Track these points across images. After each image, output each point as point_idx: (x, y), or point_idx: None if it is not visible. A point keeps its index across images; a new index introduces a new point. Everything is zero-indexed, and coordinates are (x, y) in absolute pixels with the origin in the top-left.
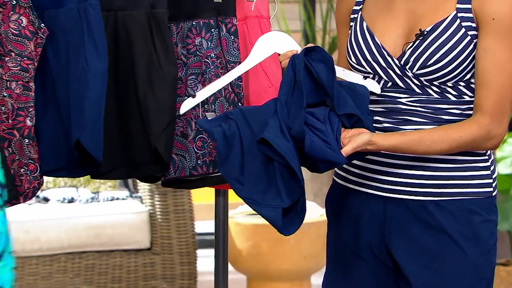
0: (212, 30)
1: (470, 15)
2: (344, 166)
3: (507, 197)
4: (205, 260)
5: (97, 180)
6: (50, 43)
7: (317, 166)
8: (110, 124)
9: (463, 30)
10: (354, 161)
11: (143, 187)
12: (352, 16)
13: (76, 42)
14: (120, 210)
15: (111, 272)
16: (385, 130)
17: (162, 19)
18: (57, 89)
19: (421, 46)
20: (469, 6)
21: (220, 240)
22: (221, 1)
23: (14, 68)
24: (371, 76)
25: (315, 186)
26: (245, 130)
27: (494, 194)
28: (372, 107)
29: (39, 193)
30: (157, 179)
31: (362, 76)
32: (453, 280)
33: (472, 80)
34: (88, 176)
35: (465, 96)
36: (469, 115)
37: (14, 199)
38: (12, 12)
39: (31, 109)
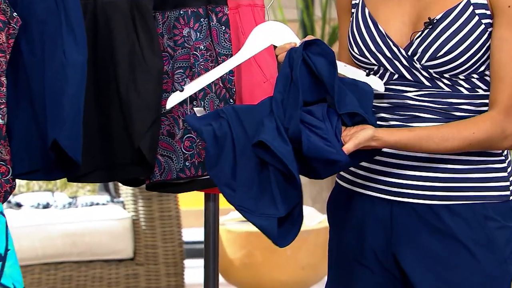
0: (201, 19)
1: (485, 1)
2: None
3: None
4: (194, 271)
5: (75, 183)
6: (23, 34)
7: (318, 170)
8: (89, 122)
9: (476, 18)
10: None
11: (126, 191)
12: (353, 2)
13: (53, 32)
14: (100, 217)
15: (90, 285)
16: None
17: (146, 8)
18: (32, 84)
19: (430, 35)
20: None
21: (210, 249)
22: None
23: None
24: (375, 68)
25: (314, 190)
26: (238, 131)
27: (511, 198)
28: (376, 102)
29: (11, 198)
30: (141, 182)
31: (365, 73)
32: None
33: (487, 72)
34: (65, 179)
35: (478, 90)
36: (484, 112)
37: None
38: None
39: (2, 106)
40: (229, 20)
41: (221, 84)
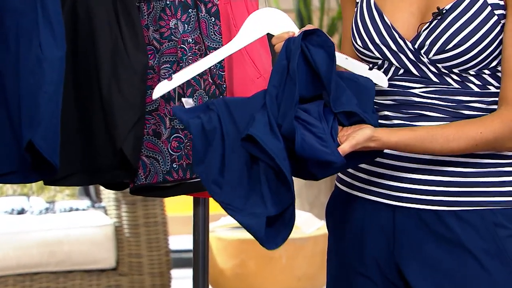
0: (190, 10)
1: None
2: (349, 170)
3: None
4: (182, 282)
5: (53, 187)
6: None
7: (312, 171)
8: (68, 122)
9: (488, 8)
10: (360, 164)
11: (108, 196)
12: None
13: (29, 25)
14: (80, 223)
15: None
16: (394, 127)
17: None
18: (5, 81)
19: (439, 27)
20: None
21: (199, 258)
22: None
23: None
24: (380, 62)
25: (311, 194)
26: (228, 125)
27: None
28: (379, 99)
29: None
30: (125, 186)
31: (368, 67)
32: None
33: (499, 68)
34: (42, 183)
35: (490, 87)
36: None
37: None
38: None
39: None
40: (219, 11)
41: (210, 80)
